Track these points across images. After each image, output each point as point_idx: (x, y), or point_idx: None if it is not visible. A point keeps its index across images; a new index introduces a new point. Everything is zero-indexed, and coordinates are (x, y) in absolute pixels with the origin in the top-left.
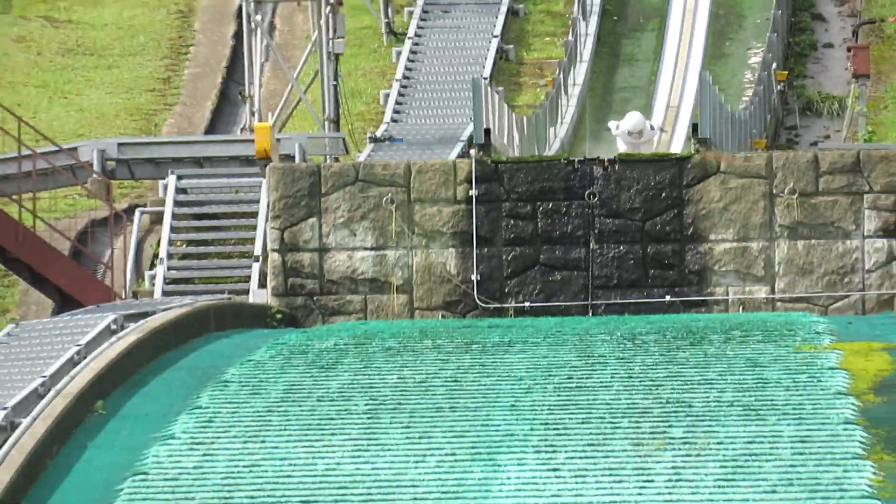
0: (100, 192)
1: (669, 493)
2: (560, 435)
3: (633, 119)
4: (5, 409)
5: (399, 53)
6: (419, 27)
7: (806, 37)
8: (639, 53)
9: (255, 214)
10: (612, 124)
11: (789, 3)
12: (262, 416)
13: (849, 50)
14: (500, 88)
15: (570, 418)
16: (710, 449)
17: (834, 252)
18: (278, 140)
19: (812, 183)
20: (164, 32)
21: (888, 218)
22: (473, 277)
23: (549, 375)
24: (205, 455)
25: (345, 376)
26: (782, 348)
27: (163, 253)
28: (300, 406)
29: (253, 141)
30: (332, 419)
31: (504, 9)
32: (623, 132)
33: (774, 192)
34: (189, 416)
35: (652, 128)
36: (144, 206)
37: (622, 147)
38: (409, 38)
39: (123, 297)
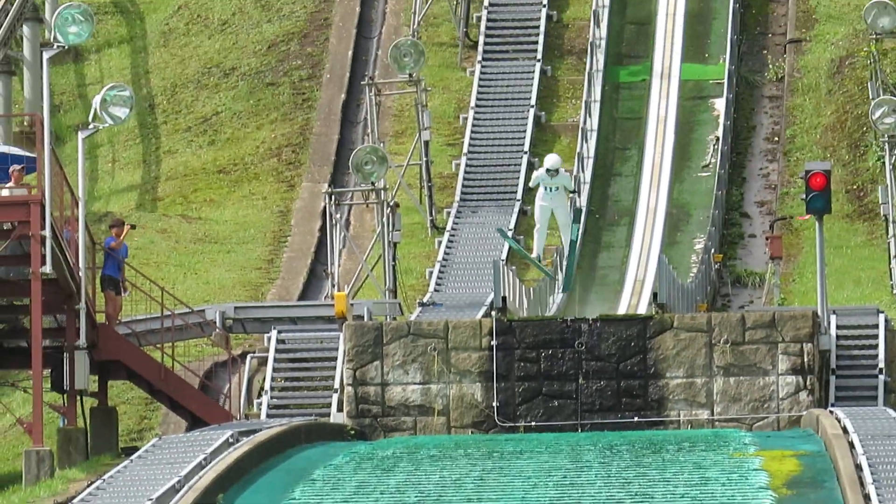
0: (221, 343)
1: None
2: None
3: (552, 159)
4: (150, 499)
5: (440, 242)
6: (454, 223)
7: (735, 229)
8: (614, 241)
9: (334, 358)
10: (535, 174)
11: (723, 205)
12: None
13: (767, 239)
14: (514, 267)
15: None
16: None
17: (756, 385)
18: (352, 305)
19: (740, 335)
20: (269, 227)
21: (795, 361)
22: (494, 404)
23: (549, 475)
24: None
25: (400, 476)
26: (719, 455)
27: (267, 386)
28: (367, 497)
29: (333, 305)
30: None
31: (516, 210)
32: (542, 170)
33: (713, 341)
34: None
35: (566, 170)
36: (254, 352)
37: (541, 189)
38: (447, 231)
39: (238, 418)
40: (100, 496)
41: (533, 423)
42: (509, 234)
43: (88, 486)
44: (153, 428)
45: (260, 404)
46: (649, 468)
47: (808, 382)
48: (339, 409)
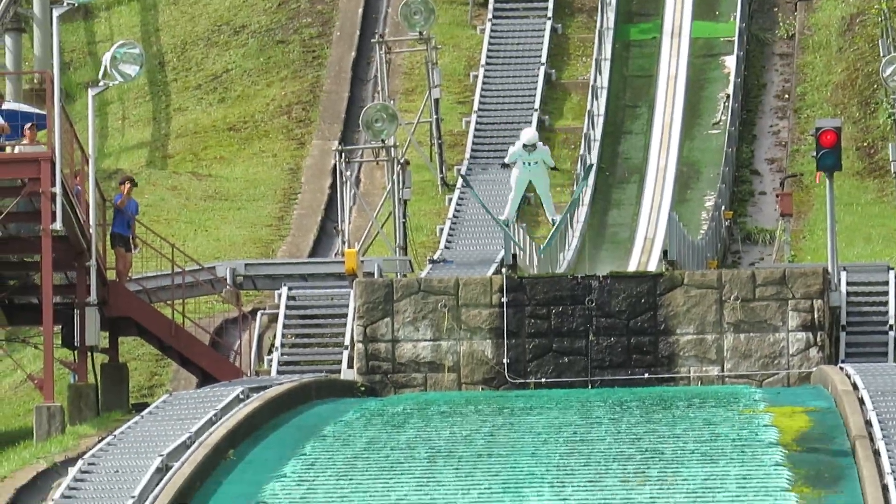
0: (231, 299)
1: None
2: (568, 475)
3: (528, 134)
4: (161, 455)
5: (450, 199)
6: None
7: (746, 186)
8: (624, 199)
9: (345, 315)
10: (510, 150)
11: (734, 162)
12: (350, 461)
13: (777, 196)
14: (524, 224)
15: (574, 462)
16: (678, 484)
17: (766, 342)
18: (362, 262)
19: (751, 292)
20: (279, 184)
21: (806, 317)
22: (505, 361)
23: (560, 432)
24: (308, 489)
25: (411, 432)
26: (730, 412)
27: (277, 343)
28: (378, 454)
29: (343, 262)
30: (401, 463)
31: None
32: (518, 146)
33: (723, 298)
34: (296, 461)
35: (543, 143)
36: (264, 309)
37: (519, 163)
38: (457, 188)
39: (249, 375)
40: (110, 452)
41: (543, 380)
42: (475, 193)
43: (99, 441)
44: (164, 384)
45: (270, 361)
46: (659, 424)
47: (818, 339)
48: (350, 366)
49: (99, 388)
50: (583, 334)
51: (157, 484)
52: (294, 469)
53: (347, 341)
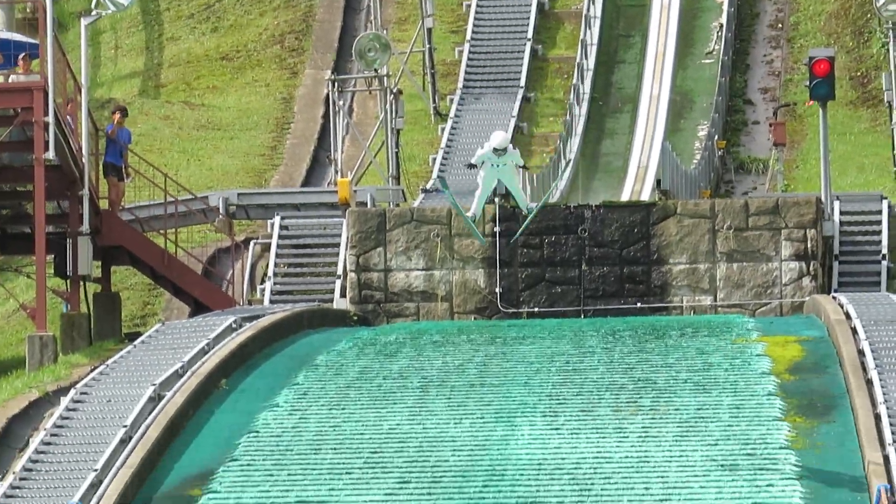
0: (224, 229)
1: (640, 446)
2: (560, 404)
3: (498, 137)
4: (154, 384)
5: (443, 129)
6: (457, 110)
7: (739, 116)
8: (618, 129)
9: (337, 245)
10: (478, 152)
11: (727, 92)
12: (342, 391)
13: (770, 126)
14: (517, 149)
15: (567, 392)
16: (670, 414)
17: (759, 271)
18: (355, 191)
19: (744, 221)
20: (272, 113)
21: (799, 247)
22: (497, 290)
23: (552, 361)
24: (300, 418)
25: (403, 362)
26: (722, 341)
27: (270, 272)
28: (370, 383)
29: (336, 192)
30: (393, 393)
31: (519, 96)
32: (489, 149)
33: (716, 228)
34: (289, 390)
35: (514, 147)
36: (257, 238)
37: (487, 165)
38: (450, 117)
39: (241, 304)
40: (103, 381)
41: (536, 309)
42: (448, 190)
43: (91, 371)
44: (156, 314)
45: (263, 290)
46: (652, 354)
47: (811, 268)
48: (343, 295)
49: (91, 318)
50: (575, 264)
51: (150, 413)
52: (286, 398)
53: (340, 271)
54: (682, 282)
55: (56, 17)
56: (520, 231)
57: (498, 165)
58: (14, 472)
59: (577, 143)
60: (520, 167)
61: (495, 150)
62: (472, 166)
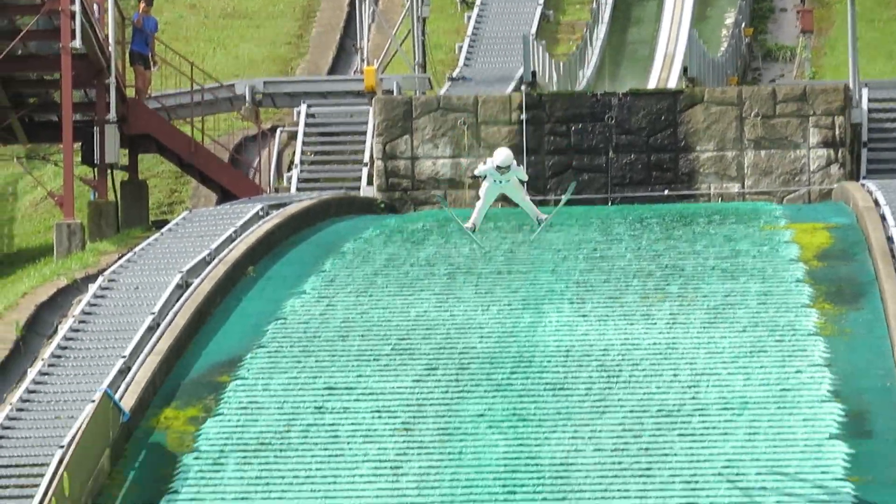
0: (250, 117)
1: (668, 333)
2: (587, 291)
3: (502, 154)
4: (181, 272)
5: (469, 17)
6: None
7: (766, 3)
8: (644, 17)
9: (364, 132)
10: (480, 167)
11: None
12: (369, 278)
13: (798, 13)
14: (543, 42)
15: (594, 279)
16: (697, 301)
17: (787, 158)
18: (381, 79)
19: (771, 108)
20: (298, 1)
21: (827, 134)
22: (524, 178)
23: (580, 248)
24: (327, 306)
25: (430, 249)
26: (750, 228)
27: (297, 160)
28: (397, 270)
29: (363, 80)
30: (420, 280)
31: None
32: (492, 166)
33: (743, 115)
34: (316, 277)
35: (518, 164)
36: (283, 126)
37: (489, 178)
38: (476, 5)
39: (268, 192)
40: (130, 268)
41: (563, 197)
42: (448, 205)
43: (119, 258)
44: (183, 201)
45: (290, 178)
46: (679, 241)
47: (839, 155)
48: (369, 183)
49: (119, 205)
50: (602, 151)
51: (177, 300)
52: (314, 286)
53: (367, 158)
54: (709, 169)
55: None
56: (537, 232)
57: (501, 182)
58: (43, 359)
59: (604, 31)
60: (523, 182)
61: (498, 167)
62: (474, 178)
